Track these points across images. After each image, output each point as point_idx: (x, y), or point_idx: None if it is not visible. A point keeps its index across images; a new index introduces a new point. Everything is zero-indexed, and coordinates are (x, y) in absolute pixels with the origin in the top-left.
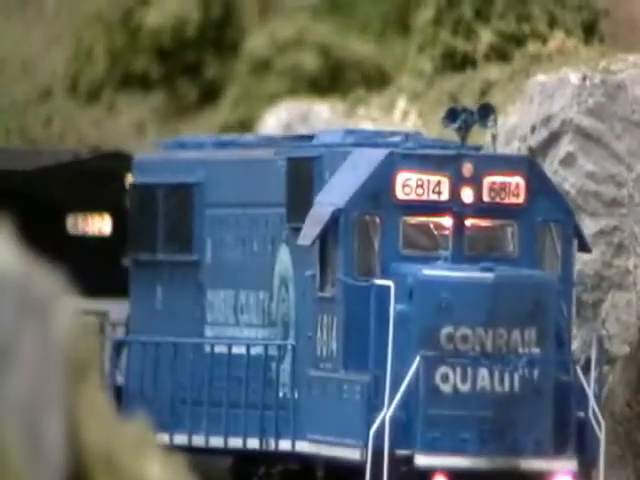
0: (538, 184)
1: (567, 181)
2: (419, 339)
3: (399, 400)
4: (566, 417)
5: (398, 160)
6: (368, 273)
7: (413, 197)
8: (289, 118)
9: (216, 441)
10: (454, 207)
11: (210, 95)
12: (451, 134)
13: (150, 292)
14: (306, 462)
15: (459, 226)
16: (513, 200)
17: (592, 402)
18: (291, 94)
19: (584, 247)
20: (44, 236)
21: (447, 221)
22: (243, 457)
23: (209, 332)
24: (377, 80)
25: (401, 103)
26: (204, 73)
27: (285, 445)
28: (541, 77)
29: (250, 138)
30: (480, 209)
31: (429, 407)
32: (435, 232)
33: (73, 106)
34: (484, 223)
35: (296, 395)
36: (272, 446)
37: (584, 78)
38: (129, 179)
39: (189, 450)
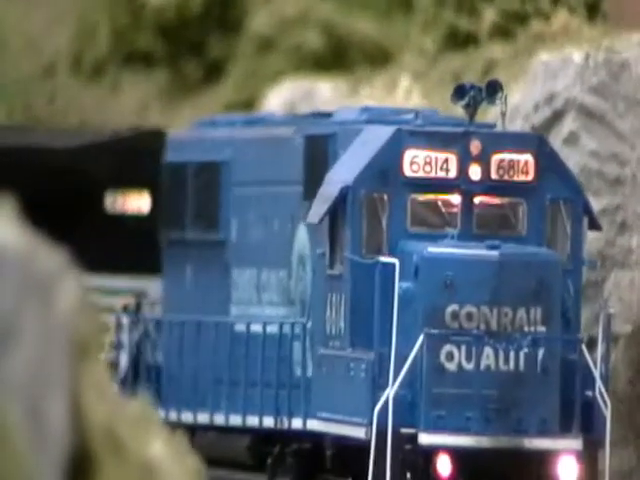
0: (548, 162)
1: (570, 160)
2: (424, 317)
3: (403, 378)
4: (572, 396)
5: (406, 137)
6: (376, 251)
7: (421, 174)
8: (292, 97)
9: (235, 420)
10: (462, 185)
11: (214, 74)
12: (459, 112)
13: (181, 271)
14: (317, 441)
15: (467, 204)
16: (522, 178)
17: (598, 381)
18: (295, 72)
19: (594, 225)
20: (83, 215)
21: (455, 199)
22: (260, 436)
23: (234, 311)
24: (380, 59)
25: (404, 82)
26: (208, 52)
27: (297, 424)
28: (544, 56)
29: (277, 116)
30: (488, 187)
31: (433, 386)
32: (443, 210)
33: (76, 84)
34: (492, 201)
35: (308, 374)
36: (285, 425)
37: (587, 57)
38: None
39: (212, 429)
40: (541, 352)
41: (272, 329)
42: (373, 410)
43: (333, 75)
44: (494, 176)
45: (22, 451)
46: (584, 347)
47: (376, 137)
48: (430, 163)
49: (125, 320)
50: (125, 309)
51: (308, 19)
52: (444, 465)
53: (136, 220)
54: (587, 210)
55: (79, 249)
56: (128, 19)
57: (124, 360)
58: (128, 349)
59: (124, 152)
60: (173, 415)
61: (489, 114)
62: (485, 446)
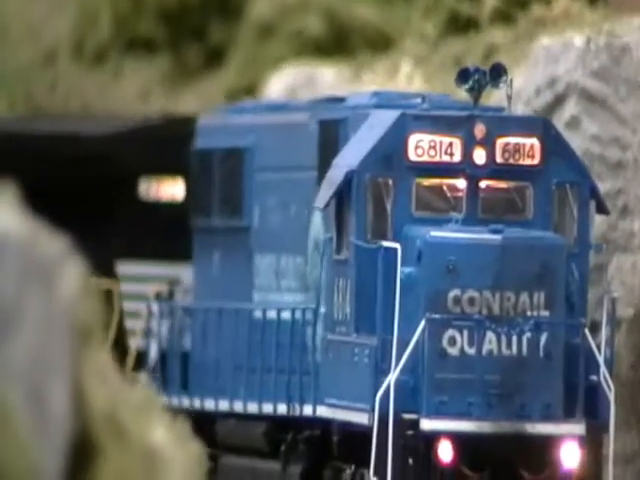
0: (553, 145)
1: (572, 144)
2: (426, 302)
3: (404, 364)
4: (575, 381)
5: (410, 122)
6: (381, 236)
7: (425, 159)
8: (294, 82)
9: (252, 407)
10: (467, 169)
11: (215, 59)
12: (462, 96)
13: (209, 258)
14: (326, 427)
15: (472, 188)
16: (528, 162)
17: (602, 366)
18: (296, 58)
19: (602, 209)
20: (117, 202)
21: (461, 183)
22: (275, 423)
23: (256, 297)
24: (381, 44)
25: (405, 68)
26: (209, 37)
27: (308, 410)
28: (546, 40)
29: (297, 102)
30: (493, 170)
31: (436, 371)
32: (448, 194)
33: (78, 71)
34: (498, 185)
35: (317, 360)
36: (297, 411)
37: (588, 41)
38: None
39: (232, 416)
40: (544, 337)
41: (286, 315)
42: (375, 396)
43: (334, 61)
44: (499, 160)
45: (24, 437)
46: (587, 331)
47: (381, 122)
48: (435, 147)
49: (155, 308)
50: (158, 296)
51: (309, 5)
52: (445, 451)
53: (170, 207)
54: (594, 194)
55: (113, 237)
56: (129, 5)
57: (154, 348)
58: (158, 337)
59: (156, 139)
60: (197, 403)
61: (492, 98)
62: (487, 431)
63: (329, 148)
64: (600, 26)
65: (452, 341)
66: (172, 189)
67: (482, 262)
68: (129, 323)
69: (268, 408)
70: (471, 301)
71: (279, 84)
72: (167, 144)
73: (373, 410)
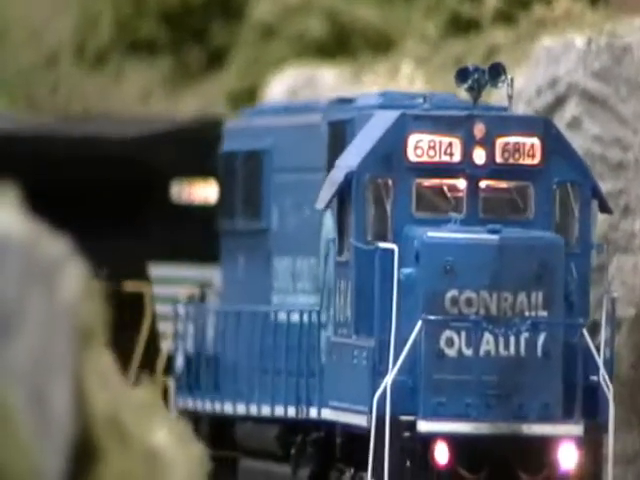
0: (554, 145)
1: (573, 145)
2: (424, 303)
3: (401, 365)
4: (574, 381)
5: (410, 122)
6: (382, 237)
7: (425, 159)
8: (295, 84)
9: (266, 410)
10: (466, 169)
11: (217, 61)
12: (463, 96)
13: (234, 261)
14: (331, 430)
15: (473, 188)
16: (528, 161)
17: (600, 366)
18: (297, 60)
19: (605, 208)
20: (148, 205)
21: (461, 183)
22: (287, 426)
23: (275, 300)
24: (383, 45)
25: (406, 69)
26: (211, 39)
27: (314, 413)
28: (547, 41)
29: (314, 103)
30: (493, 170)
31: (433, 372)
32: (448, 194)
33: (79, 73)
34: (498, 185)
35: (322, 362)
36: (304, 414)
37: (590, 42)
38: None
39: (249, 419)
40: (542, 337)
41: (295, 318)
42: (373, 397)
43: (336, 62)
44: (499, 160)
45: (25, 438)
46: (585, 331)
47: (382, 122)
48: (434, 147)
49: (183, 310)
50: (190, 299)
51: (310, 6)
52: (442, 452)
53: (203, 210)
54: (596, 193)
55: (145, 239)
56: (131, 7)
57: (180, 351)
58: (186, 340)
59: (189, 141)
60: (218, 406)
61: (495, 97)
62: (484, 432)
63: (337, 149)
64: (601, 26)
65: (450, 342)
66: (205, 192)
67: (479, 262)
68: (162, 326)
69: (280, 411)
70: (468, 302)
71: (280, 86)
72: (199, 146)
73: (371, 412)
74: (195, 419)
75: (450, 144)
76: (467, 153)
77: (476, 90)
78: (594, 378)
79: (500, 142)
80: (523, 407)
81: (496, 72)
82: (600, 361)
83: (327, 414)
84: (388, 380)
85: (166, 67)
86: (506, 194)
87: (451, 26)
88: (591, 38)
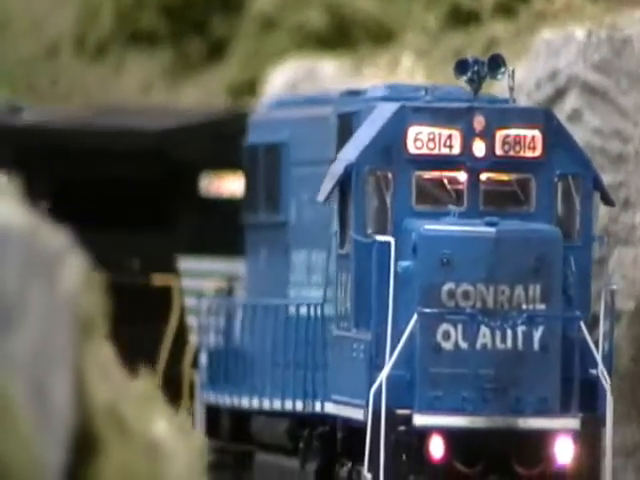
0: (555, 137)
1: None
2: (421, 296)
3: (398, 359)
4: (571, 375)
5: (409, 114)
6: (382, 229)
7: (425, 151)
8: (295, 76)
9: (277, 404)
10: (466, 161)
11: (217, 53)
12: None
13: (257, 254)
14: (334, 424)
15: (473, 181)
16: (529, 153)
17: (598, 359)
18: (298, 52)
19: (607, 201)
20: (177, 198)
21: (461, 175)
22: (296, 420)
23: (292, 293)
24: (383, 37)
25: (406, 61)
26: (211, 31)
27: (318, 407)
28: (547, 33)
29: (330, 95)
30: (493, 163)
31: (430, 365)
32: (449, 187)
33: (80, 64)
34: (499, 177)
35: (326, 356)
36: (310, 408)
37: (590, 34)
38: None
39: (263, 413)
40: (540, 330)
41: (303, 311)
42: (369, 391)
43: (336, 54)
44: (499, 152)
45: (26, 430)
46: (583, 324)
47: (382, 114)
48: (434, 140)
49: (208, 304)
50: (218, 292)
51: None
52: (437, 446)
53: (230, 204)
54: (598, 185)
55: (174, 233)
56: None
57: (208, 344)
58: (211, 333)
59: (216, 134)
60: (235, 400)
61: (497, 88)
62: (479, 426)
63: (345, 141)
64: (601, 19)
65: (446, 335)
66: (233, 185)
67: (476, 255)
68: (191, 319)
69: (289, 405)
70: (465, 295)
71: (281, 78)
72: (227, 139)
73: (368, 406)
74: (217, 413)
75: (450, 136)
76: (467, 145)
77: (476, 82)
78: (593, 372)
79: (500, 134)
80: (520, 401)
81: (496, 64)
82: (598, 354)
83: (330, 408)
84: (384, 374)
85: (166, 59)
86: (507, 187)
87: (451, 18)
88: (591, 30)
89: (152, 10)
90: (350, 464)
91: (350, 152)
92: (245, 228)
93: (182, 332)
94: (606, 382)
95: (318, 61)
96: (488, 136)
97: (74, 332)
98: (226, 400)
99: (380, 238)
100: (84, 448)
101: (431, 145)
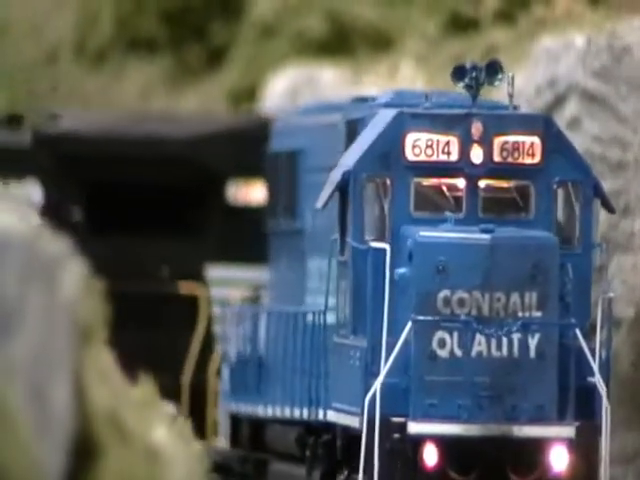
0: (555, 143)
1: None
2: (416, 303)
3: (394, 366)
4: (567, 383)
5: (407, 120)
6: (380, 236)
7: (423, 158)
8: (295, 83)
9: (287, 412)
10: (464, 168)
11: (217, 59)
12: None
13: (278, 262)
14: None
15: (472, 187)
16: (528, 160)
17: (595, 367)
18: (298, 59)
19: (608, 207)
20: (205, 206)
21: (460, 182)
22: (304, 428)
23: (308, 300)
24: (382, 44)
25: (405, 69)
26: (211, 37)
27: (321, 415)
28: (546, 40)
29: (343, 101)
30: (491, 169)
31: (425, 373)
32: (447, 194)
33: (80, 70)
34: (497, 184)
35: (328, 363)
36: (314, 416)
37: (589, 41)
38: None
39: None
40: (537, 337)
41: (309, 319)
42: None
43: (336, 60)
44: (497, 159)
45: (26, 435)
46: (579, 332)
47: (381, 121)
48: (432, 146)
49: (231, 312)
50: (245, 301)
51: (310, 5)
52: (430, 454)
53: (258, 211)
54: (599, 192)
55: (202, 241)
56: (131, 4)
57: (232, 352)
58: (231, 341)
59: (243, 141)
60: (250, 408)
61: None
62: (474, 434)
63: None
64: (601, 26)
65: (442, 343)
66: (260, 192)
67: (471, 262)
68: (218, 328)
69: (297, 413)
70: (461, 302)
71: (280, 84)
72: (254, 146)
73: (363, 413)
74: (237, 421)
75: (448, 143)
76: (465, 152)
77: (474, 88)
78: (591, 380)
79: (498, 141)
80: (516, 409)
81: (493, 69)
82: (595, 362)
83: (331, 416)
84: (379, 381)
85: (166, 65)
86: (506, 193)
87: (451, 25)
88: (591, 38)
89: (152, 16)
90: (346, 472)
91: (349, 159)
92: (268, 235)
93: (209, 341)
94: (602, 391)
95: (318, 68)
96: (486, 142)
97: (73, 337)
98: (245, 409)
99: (375, 245)
100: (84, 453)
101: (429, 152)
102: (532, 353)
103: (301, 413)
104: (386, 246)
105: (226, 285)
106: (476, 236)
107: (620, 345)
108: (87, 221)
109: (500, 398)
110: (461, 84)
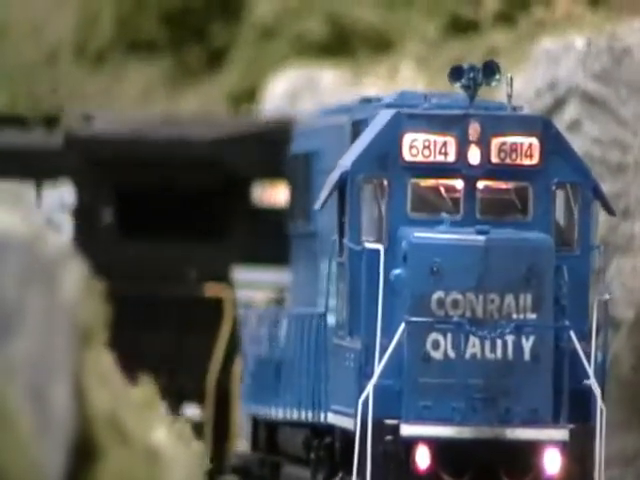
0: (553, 145)
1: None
2: (410, 304)
3: (388, 368)
4: (561, 385)
5: (404, 121)
6: (376, 237)
7: (420, 159)
8: (295, 85)
9: (294, 414)
10: (462, 169)
11: (217, 61)
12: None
13: (297, 263)
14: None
15: (469, 189)
16: (526, 161)
17: (589, 370)
18: (298, 61)
19: (608, 209)
20: (230, 208)
21: (458, 183)
22: (311, 430)
23: (319, 302)
24: (383, 46)
25: (406, 71)
26: (211, 39)
27: (323, 417)
28: (546, 42)
29: (354, 103)
30: (489, 171)
31: (419, 375)
32: (445, 195)
33: (80, 71)
34: (495, 185)
35: (328, 365)
36: (317, 418)
37: (589, 43)
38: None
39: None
40: (531, 340)
41: (313, 321)
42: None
43: (336, 62)
44: (494, 160)
45: (26, 437)
46: (573, 334)
47: (379, 121)
48: (429, 147)
49: (252, 314)
50: (269, 303)
51: (310, 7)
52: (422, 457)
53: (282, 213)
54: (598, 194)
55: (227, 243)
56: (131, 6)
57: (251, 355)
58: (251, 344)
59: (268, 143)
60: (263, 410)
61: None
62: (466, 437)
63: None
64: (601, 28)
65: (436, 344)
66: (284, 194)
67: (466, 264)
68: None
69: (302, 415)
70: (455, 303)
71: (280, 86)
72: (278, 148)
73: (356, 415)
74: (257, 424)
75: (445, 143)
76: (462, 153)
77: (472, 89)
78: (587, 382)
79: (496, 142)
80: (510, 411)
81: (490, 70)
82: (590, 364)
83: (330, 418)
84: (371, 383)
85: (166, 66)
86: (504, 195)
87: (451, 27)
88: (591, 40)
89: (152, 18)
90: (341, 474)
91: (347, 159)
92: (289, 238)
93: (233, 343)
94: (597, 394)
95: (318, 70)
96: (483, 143)
97: (73, 339)
98: (262, 411)
99: (370, 246)
100: (83, 454)
101: (426, 152)
102: (526, 356)
103: (307, 416)
104: (380, 247)
105: (252, 287)
106: (471, 237)
107: (620, 348)
108: (118, 223)
109: (494, 401)
110: (458, 85)
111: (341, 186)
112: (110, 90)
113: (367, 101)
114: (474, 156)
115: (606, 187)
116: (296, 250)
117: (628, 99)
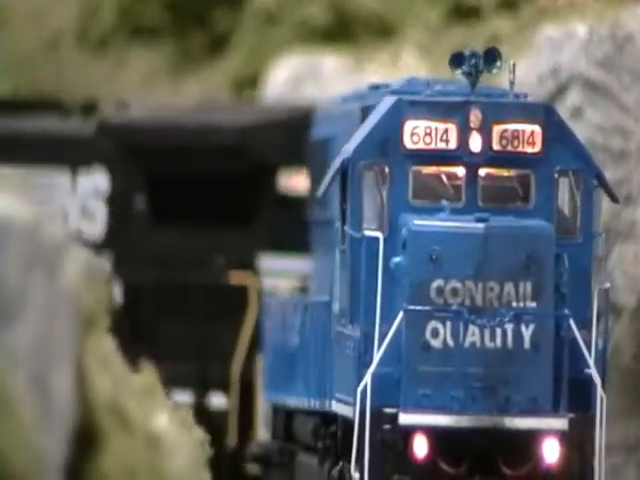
0: (555, 132)
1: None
2: (409, 292)
3: (388, 356)
4: (561, 374)
5: (406, 108)
6: (378, 225)
7: (421, 146)
8: (297, 71)
9: (305, 402)
10: (463, 156)
11: (219, 47)
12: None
13: (317, 251)
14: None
15: (471, 176)
16: (528, 149)
17: (588, 358)
18: (300, 47)
19: (611, 196)
20: (256, 196)
21: (459, 170)
22: (321, 418)
23: (335, 291)
24: (385, 33)
25: (408, 57)
26: (214, 24)
27: (327, 405)
28: (549, 30)
29: (367, 90)
30: (490, 158)
31: (418, 363)
32: (446, 182)
33: (82, 58)
34: (497, 173)
35: (333, 353)
36: (324, 406)
37: (592, 30)
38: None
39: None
40: (531, 328)
41: (321, 309)
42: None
43: (338, 49)
44: (496, 147)
45: (27, 424)
46: (572, 322)
47: (381, 108)
48: (430, 134)
49: (273, 302)
50: (293, 291)
51: None
52: (420, 445)
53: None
54: (601, 181)
55: (254, 230)
56: None
57: (271, 343)
58: (270, 332)
59: (293, 130)
60: (284, 399)
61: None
62: (464, 425)
63: None
64: (604, 15)
65: (435, 333)
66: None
67: (465, 251)
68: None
69: (311, 403)
70: (454, 292)
71: (283, 72)
72: (303, 135)
73: (355, 403)
74: (276, 412)
75: (446, 130)
76: (463, 140)
77: (473, 75)
78: (587, 371)
79: (498, 129)
80: (509, 400)
81: (492, 57)
82: (591, 353)
83: (334, 406)
84: (369, 371)
85: (169, 52)
86: (506, 182)
87: (453, 14)
88: (593, 27)
89: (154, 3)
90: (341, 463)
91: (350, 146)
92: (310, 225)
93: (258, 332)
94: (597, 382)
95: (320, 56)
96: (485, 130)
97: (75, 325)
98: (280, 399)
99: (369, 233)
100: (85, 441)
101: (428, 139)
102: (526, 344)
103: (315, 404)
104: (379, 234)
105: (277, 276)
106: (470, 225)
107: (622, 335)
108: (150, 210)
109: (493, 389)
110: (459, 71)
111: (343, 173)
112: (113, 76)
113: (376, 88)
114: (475, 143)
115: (608, 174)
116: (316, 237)
117: (630, 86)
